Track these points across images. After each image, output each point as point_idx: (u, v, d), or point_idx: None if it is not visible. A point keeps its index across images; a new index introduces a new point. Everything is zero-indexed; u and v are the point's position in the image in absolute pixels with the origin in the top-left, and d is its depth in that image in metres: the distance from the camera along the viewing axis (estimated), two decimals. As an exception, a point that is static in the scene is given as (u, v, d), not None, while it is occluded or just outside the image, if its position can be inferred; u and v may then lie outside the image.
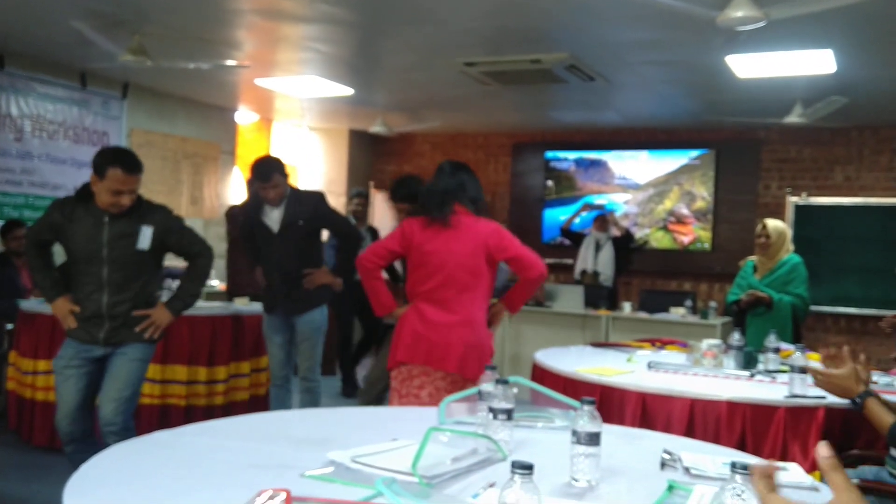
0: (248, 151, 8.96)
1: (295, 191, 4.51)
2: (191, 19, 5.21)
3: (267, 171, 4.35)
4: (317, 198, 4.62)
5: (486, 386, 2.07)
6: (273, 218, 4.45)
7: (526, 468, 1.17)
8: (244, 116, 8.82)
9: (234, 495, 1.43)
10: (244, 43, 5.87)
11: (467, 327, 3.23)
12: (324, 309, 4.60)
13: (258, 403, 5.05)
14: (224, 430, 2.01)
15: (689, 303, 7.11)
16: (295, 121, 9.30)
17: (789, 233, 4.67)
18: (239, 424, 2.10)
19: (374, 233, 6.99)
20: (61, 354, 3.44)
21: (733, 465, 1.17)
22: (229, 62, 6.20)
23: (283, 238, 4.43)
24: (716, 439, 2.69)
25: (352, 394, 6.74)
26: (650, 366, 3.38)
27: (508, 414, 1.93)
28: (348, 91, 7.18)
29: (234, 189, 8.63)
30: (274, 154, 4.78)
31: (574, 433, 1.69)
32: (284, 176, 4.43)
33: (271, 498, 1.39)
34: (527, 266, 3.26)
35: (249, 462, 1.71)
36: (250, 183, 4.68)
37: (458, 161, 3.49)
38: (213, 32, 5.50)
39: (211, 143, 8.23)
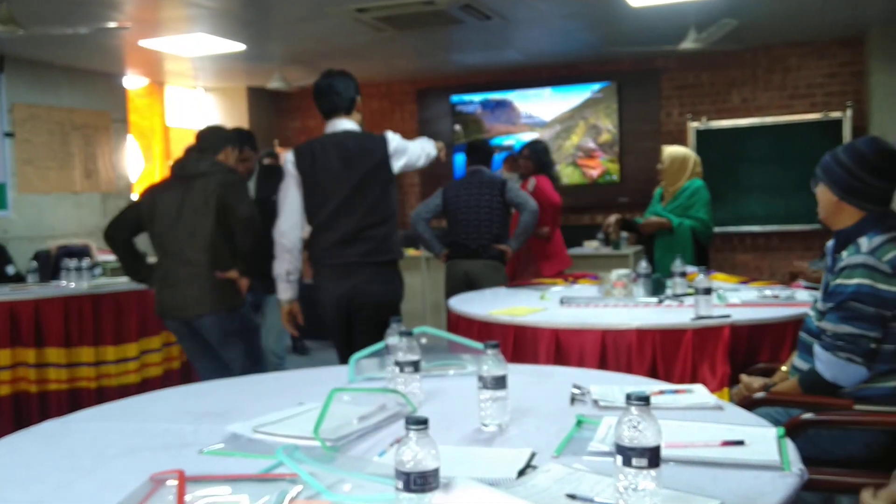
0: (140, 118, 8.57)
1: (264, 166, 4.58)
2: (59, -19, 4.88)
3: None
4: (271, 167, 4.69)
5: (392, 339, 2.02)
6: None
7: (420, 423, 1.12)
8: (133, 81, 8.41)
9: (125, 481, 1.36)
10: (123, 3, 5.55)
11: None
12: None
13: (172, 378, 4.91)
14: (118, 412, 1.91)
15: (601, 235, 7.22)
16: (188, 82, 8.93)
17: (693, 158, 4.72)
18: (134, 405, 2.00)
19: None
20: None
21: (628, 397, 1.16)
22: (109, 24, 5.86)
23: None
24: (628, 368, 2.73)
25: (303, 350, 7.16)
26: (563, 301, 3.40)
27: (415, 366, 1.89)
28: (240, 47, 6.90)
29: (131, 159, 8.27)
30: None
31: (480, 378, 1.67)
32: (254, 150, 4.33)
33: (163, 481, 1.33)
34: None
35: (144, 444, 1.63)
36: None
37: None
38: (86, -7, 5.17)
39: (100, 112, 7.82)
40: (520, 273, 5.23)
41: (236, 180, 3.56)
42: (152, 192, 3.65)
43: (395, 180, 3.46)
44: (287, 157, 3.43)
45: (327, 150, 3.36)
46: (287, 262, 3.39)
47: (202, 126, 3.94)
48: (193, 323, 3.56)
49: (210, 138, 3.71)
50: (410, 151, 3.45)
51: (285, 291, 3.43)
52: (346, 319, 3.39)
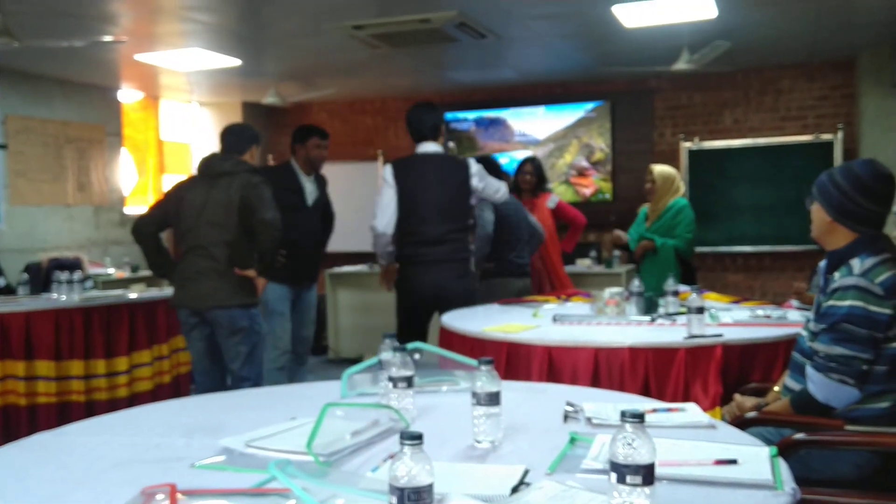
0: (135, 132, 8.57)
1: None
2: (56, -6, 4.89)
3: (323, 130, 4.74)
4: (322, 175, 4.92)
5: (385, 354, 2.02)
6: (308, 189, 4.66)
7: (415, 438, 1.12)
8: (128, 95, 8.41)
9: (116, 495, 1.35)
10: (119, 16, 5.56)
11: None
12: None
13: (163, 392, 4.88)
14: (110, 425, 1.90)
15: (593, 253, 7.24)
16: (183, 97, 8.94)
17: (678, 177, 4.76)
18: (127, 418, 1.99)
19: None
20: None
21: (623, 414, 1.16)
22: (105, 38, 5.87)
23: (315, 209, 4.71)
24: (621, 386, 2.73)
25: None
26: (555, 319, 3.40)
27: (408, 381, 1.89)
28: (236, 62, 6.92)
29: (125, 172, 8.26)
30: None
31: (473, 395, 1.67)
32: (323, 138, 4.75)
33: (154, 494, 1.32)
34: None
35: (136, 457, 1.62)
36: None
37: None
38: (83, 7, 5.18)
39: (94, 125, 7.82)
40: (555, 288, 5.24)
41: (259, 182, 3.77)
42: (179, 190, 3.86)
43: (471, 196, 4.13)
44: (385, 169, 4.05)
45: (421, 166, 4.06)
46: (379, 250, 4.14)
47: (227, 125, 4.09)
48: (206, 315, 3.76)
49: (234, 138, 3.92)
50: (489, 182, 4.17)
51: (382, 260, 4.21)
52: (426, 305, 4.06)
